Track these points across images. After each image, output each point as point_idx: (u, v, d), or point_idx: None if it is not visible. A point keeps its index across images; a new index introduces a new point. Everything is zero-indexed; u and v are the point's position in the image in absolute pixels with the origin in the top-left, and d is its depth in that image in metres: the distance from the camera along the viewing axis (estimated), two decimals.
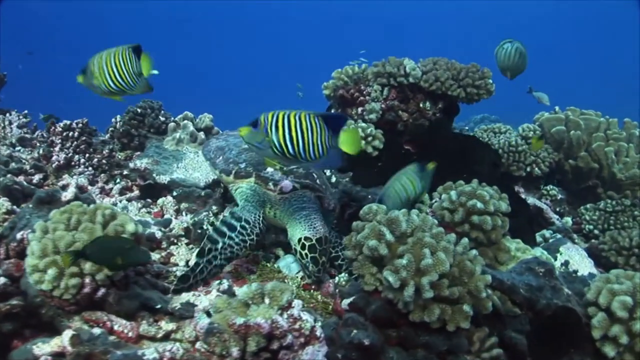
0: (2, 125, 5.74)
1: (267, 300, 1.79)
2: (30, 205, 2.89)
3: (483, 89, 3.96)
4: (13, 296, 2.29)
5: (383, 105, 4.02)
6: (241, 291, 1.76)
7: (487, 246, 2.70)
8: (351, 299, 2.18)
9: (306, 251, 2.99)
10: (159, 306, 2.43)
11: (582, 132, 5.35)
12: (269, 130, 2.02)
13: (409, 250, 1.95)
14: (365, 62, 4.24)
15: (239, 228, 2.98)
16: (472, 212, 2.59)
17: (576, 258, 3.15)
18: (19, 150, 5.13)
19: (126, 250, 2.26)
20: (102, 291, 2.29)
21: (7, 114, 5.89)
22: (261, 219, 3.11)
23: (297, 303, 1.79)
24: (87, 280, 2.24)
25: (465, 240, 2.17)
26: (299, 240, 3.04)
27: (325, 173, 3.82)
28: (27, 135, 5.54)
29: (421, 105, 4.02)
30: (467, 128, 8.30)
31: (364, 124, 3.71)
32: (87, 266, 2.22)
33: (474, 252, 2.15)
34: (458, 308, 1.95)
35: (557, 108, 5.81)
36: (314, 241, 3.01)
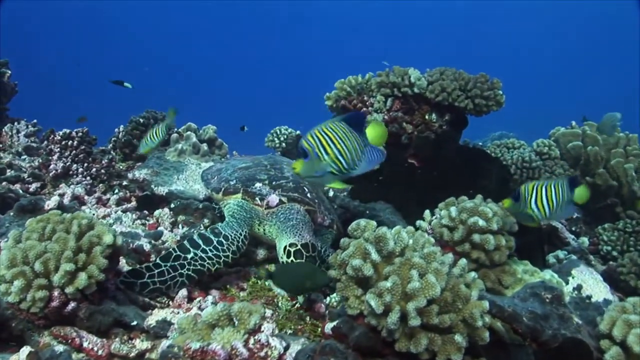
0: (10, 134, 5.70)
1: (235, 322, 1.63)
2: (12, 213, 2.78)
3: (492, 100, 3.78)
4: None
5: (386, 117, 3.85)
6: (206, 312, 1.60)
7: (490, 268, 2.50)
8: (334, 323, 2.01)
9: (292, 258, 2.79)
10: (134, 323, 2.29)
11: (600, 148, 5.13)
12: (320, 154, 1.91)
13: (396, 272, 1.77)
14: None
15: (215, 242, 2.83)
16: (473, 230, 2.40)
17: (590, 282, 2.93)
18: (24, 159, 5.07)
19: (312, 274, 2.34)
20: (71, 305, 2.16)
21: (16, 123, 5.86)
22: (242, 236, 2.95)
23: (267, 327, 1.64)
24: (56, 293, 2.11)
25: (463, 261, 1.98)
26: (284, 248, 2.86)
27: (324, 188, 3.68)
28: (34, 145, 5.49)
29: (427, 117, 3.85)
30: (481, 143, 8.08)
31: None
32: (56, 278, 2.09)
33: (473, 274, 1.97)
34: (449, 338, 1.76)
35: (573, 123, 5.61)
36: (299, 246, 2.81)
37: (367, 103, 3.88)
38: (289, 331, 2.46)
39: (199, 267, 2.72)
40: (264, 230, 3.12)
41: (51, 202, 2.92)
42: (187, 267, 2.69)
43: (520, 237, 2.63)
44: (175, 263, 2.69)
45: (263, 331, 1.62)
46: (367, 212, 3.21)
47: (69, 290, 2.11)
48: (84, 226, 2.29)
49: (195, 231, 3.33)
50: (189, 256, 2.73)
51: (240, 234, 2.95)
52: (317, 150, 1.90)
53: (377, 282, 1.82)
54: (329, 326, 2.06)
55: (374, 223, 2.09)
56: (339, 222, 3.38)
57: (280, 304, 2.74)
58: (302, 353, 1.81)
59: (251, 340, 1.58)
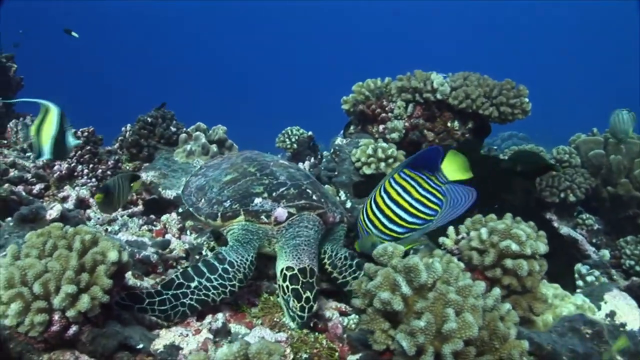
0: (15, 130, 5.58)
1: None
2: (11, 223, 2.63)
3: (518, 109, 3.60)
4: None
5: (407, 124, 3.68)
6: (221, 352, 1.44)
7: (521, 294, 2.33)
8: (358, 357, 1.85)
9: (287, 283, 2.57)
10: (140, 346, 2.14)
11: (623, 157, 4.95)
12: (368, 230, 1.82)
13: (429, 308, 1.61)
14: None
15: (220, 271, 2.62)
16: (506, 255, 2.23)
17: (624, 308, 2.75)
18: (29, 157, 4.94)
19: None
20: (73, 329, 2.01)
21: (21, 119, 5.74)
22: (249, 262, 2.72)
23: None
24: (56, 316, 1.96)
25: (497, 291, 1.83)
26: (281, 271, 2.66)
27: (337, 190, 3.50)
28: None
29: (449, 124, 3.68)
30: (495, 147, 7.90)
31: (384, 144, 3.38)
32: (57, 301, 1.93)
33: (507, 306, 1.82)
34: None
35: (595, 130, 5.43)
36: (295, 271, 2.60)
37: (387, 108, 3.70)
38: (305, 355, 2.31)
39: (202, 297, 2.54)
40: (274, 249, 2.88)
41: (53, 212, 2.77)
42: (190, 296, 2.52)
43: (548, 257, 2.46)
44: (178, 292, 2.51)
45: None
46: None
47: (70, 313, 1.96)
48: (87, 242, 2.14)
49: (213, 243, 3.16)
50: (193, 285, 2.55)
51: (247, 260, 2.73)
52: (366, 228, 1.84)
53: (408, 317, 1.67)
54: (351, 359, 1.91)
55: (402, 248, 1.94)
56: (346, 213, 3.16)
57: (294, 324, 2.57)
58: None
59: None
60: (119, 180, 3.04)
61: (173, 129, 4.79)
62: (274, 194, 2.92)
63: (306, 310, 2.50)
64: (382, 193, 1.75)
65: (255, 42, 55.24)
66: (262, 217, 2.83)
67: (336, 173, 3.46)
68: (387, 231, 1.75)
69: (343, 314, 2.79)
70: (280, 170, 3.15)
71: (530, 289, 2.31)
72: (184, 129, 4.87)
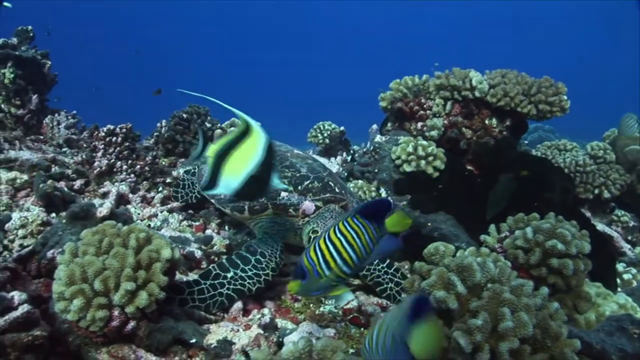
0: (51, 125, 5.69)
1: (315, 359, 1.52)
2: (64, 220, 2.71)
3: (557, 106, 3.59)
4: (37, 324, 2.09)
5: (445, 121, 3.69)
6: (286, 349, 1.49)
7: (566, 293, 2.35)
8: None
9: None
10: (193, 340, 2.21)
11: None
12: (320, 272, 1.66)
13: (484, 307, 1.64)
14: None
15: (253, 261, 2.74)
16: (551, 254, 2.25)
17: None
18: (65, 152, 5.04)
19: None
20: (131, 324, 2.08)
21: (56, 114, 5.85)
22: (278, 252, 2.84)
23: None
24: (116, 312, 2.04)
25: (545, 290, 1.85)
26: (307, 234, 2.82)
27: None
28: (74, 137, 5.47)
29: (487, 121, 3.68)
30: (526, 142, 7.83)
31: (424, 142, 3.39)
32: (117, 297, 2.00)
33: (556, 305, 1.83)
34: None
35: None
36: (320, 232, 2.76)
37: (425, 106, 3.71)
38: (351, 350, 2.36)
39: (239, 286, 2.64)
40: (301, 238, 3.02)
41: (103, 209, 2.84)
42: (227, 286, 2.61)
43: (590, 256, 2.47)
44: (215, 282, 2.61)
45: None
46: (429, 224, 3.06)
47: (129, 309, 2.03)
48: (141, 240, 2.21)
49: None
50: (229, 275, 2.65)
51: (276, 250, 2.85)
52: (319, 269, 1.66)
53: (462, 315, 1.70)
54: None
55: (452, 247, 1.97)
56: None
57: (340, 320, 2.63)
58: None
59: None
60: None
61: (208, 125, 4.85)
62: (299, 187, 3.06)
63: None
64: (339, 235, 1.70)
65: (285, 41, 55.88)
66: (290, 210, 2.98)
67: (376, 170, 3.49)
68: (340, 273, 1.68)
69: (384, 309, 2.84)
70: (299, 162, 3.26)
71: (575, 288, 2.33)
72: (219, 125, 4.93)
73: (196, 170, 3.81)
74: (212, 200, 3.29)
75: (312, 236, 2.80)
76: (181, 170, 4.28)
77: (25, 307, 2.04)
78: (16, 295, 2.06)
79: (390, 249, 1.78)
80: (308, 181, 3.09)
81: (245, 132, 1.89)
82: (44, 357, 2.09)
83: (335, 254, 1.67)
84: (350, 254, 1.68)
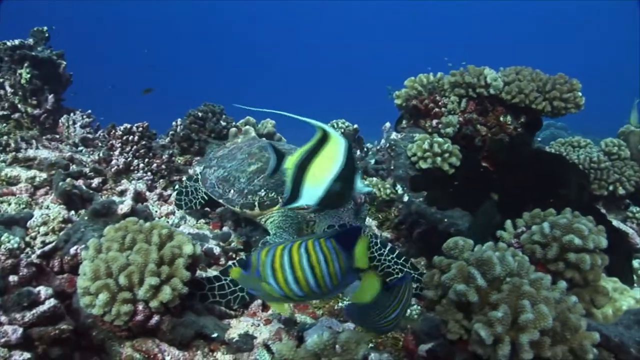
0: (67, 125, 5.76)
1: (339, 351, 1.55)
2: (86, 217, 2.75)
3: (571, 103, 3.59)
4: (62, 319, 2.13)
5: (460, 119, 3.71)
6: (311, 341, 1.52)
7: (583, 287, 2.36)
8: (430, 346, 1.92)
9: None
10: (215, 335, 2.24)
11: None
12: (262, 274, 1.55)
13: (504, 300, 1.67)
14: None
15: None
16: (568, 249, 2.26)
17: None
18: (81, 151, 5.10)
19: None
20: (155, 319, 2.12)
21: (72, 114, 5.91)
22: None
23: (374, 357, 1.55)
24: (140, 307, 2.08)
25: (563, 284, 1.86)
26: (323, 231, 2.81)
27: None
28: (90, 135, 5.53)
29: (501, 118, 3.69)
30: (539, 139, 7.81)
31: (440, 139, 3.41)
32: (141, 292, 2.05)
33: (574, 298, 1.85)
34: None
35: None
36: (336, 227, 2.79)
37: (440, 103, 3.73)
38: (370, 344, 2.39)
39: None
40: (312, 231, 3.04)
41: (124, 207, 2.89)
42: None
43: (607, 252, 2.48)
44: None
45: None
46: (445, 220, 3.08)
47: (153, 304, 2.07)
48: (164, 236, 2.25)
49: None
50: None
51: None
52: (262, 271, 1.56)
53: (483, 308, 1.72)
54: (423, 348, 1.97)
55: (471, 242, 1.99)
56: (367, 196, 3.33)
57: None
58: None
59: None
60: None
61: (223, 123, 4.89)
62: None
63: None
64: (302, 251, 1.59)
65: (299, 39, 56.28)
66: None
67: (392, 167, 3.51)
68: (285, 288, 1.51)
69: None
70: None
71: (592, 282, 2.35)
72: (234, 123, 4.98)
73: (199, 176, 3.79)
74: (220, 200, 3.29)
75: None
76: (197, 169, 4.32)
77: (51, 302, 2.08)
78: (42, 290, 2.10)
79: (349, 284, 1.69)
80: None
81: (323, 139, 1.82)
82: (70, 350, 2.14)
83: (287, 267, 1.56)
84: (307, 276, 1.56)
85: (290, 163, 1.83)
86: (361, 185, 1.88)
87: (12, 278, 2.15)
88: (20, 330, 1.93)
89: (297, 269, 1.55)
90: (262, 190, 3.07)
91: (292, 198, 1.83)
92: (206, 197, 3.71)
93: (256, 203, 3.05)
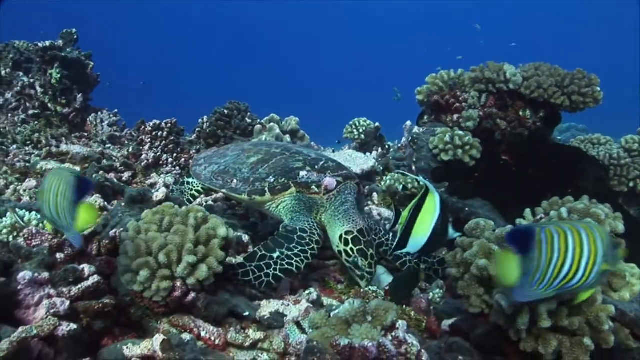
0: (95, 123, 5.93)
1: (369, 319, 1.65)
2: (123, 204, 2.89)
3: (590, 97, 3.67)
4: (105, 294, 2.26)
5: (480, 113, 3.80)
6: (343, 308, 1.63)
7: None
8: (453, 321, 2.01)
9: (351, 245, 2.80)
10: (246, 313, 2.36)
11: None
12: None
13: None
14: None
15: (296, 239, 2.77)
16: None
17: None
18: (109, 148, 5.27)
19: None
20: (192, 295, 2.24)
21: (99, 113, 6.09)
22: (316, 225, 2.91)
23: (401, 324, 1.65)
24: (178, 283, 2.20)
25: None
26: (340, 237, 2.85)
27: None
28: (117, 134, 5.70)
29: (521, 113, 3.78)
30: (559, 138, 7.85)
31: (460, 132, 3.52)
32: (180, 269, 2.17)
33: None
34: (577, 340, 1.75)
35: None
36: (355, 233, 2.84)
37: (460, 98, 3.83)
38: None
39: (286, 266, 2.66)
40: (321, 218, 3.07)
41: (159, 194, 3.02)
42: (273, 266, 2.64)
43: (624, 238, 2.55)
44: (261, 263, 2.65)
45: (399, 328, 1.63)
46: (467, 209, 3.18)
47: (190, 281, 2.19)
48: (199, 219, 2.37)
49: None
50: (275, 255, 2.68)
51: (313, 223, 2.92)
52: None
53: None
54: (446, 323, 2.07)
55: (492, 223, 2.09)
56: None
57: (363, 282, 2.84)
58: (429, 349, 1.82)
59: (389, 337, 1.60)
60: None
61: (248, 121, 5.03)
62: (316, 166, 3.15)
63: (373, 266, 2.80)
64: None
65: (321, 41, 56.80)
66: (313, 187, 3.06)
67: (414, 160, 3.62)
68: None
69: (422, 290, 2.97)
70: (305, 150, 3.42)
71: None
72: (259, 120, 5.11)
73: (184, 179, 3.85)
74: (223, 190, 3.30)
75: (349, 237, 2.84)
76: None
77: (95, 278, 2.21)
78: (86, 267, 2.22)
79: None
80: (322, 161, 3.19)
81: (424, 195, 2.31)
82: (111, 323, 2.27)
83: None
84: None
85: (402, 219, 2.37)
86: (452, 232, 2.28)
87: (59, 255, 2.27)
88: (67, 302, 2.05)
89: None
90: (271, 177, 3.12)
91: (399, 246, 2.36)
92: (197, 195, 3.75)
93: (267, 189, 3.08)
